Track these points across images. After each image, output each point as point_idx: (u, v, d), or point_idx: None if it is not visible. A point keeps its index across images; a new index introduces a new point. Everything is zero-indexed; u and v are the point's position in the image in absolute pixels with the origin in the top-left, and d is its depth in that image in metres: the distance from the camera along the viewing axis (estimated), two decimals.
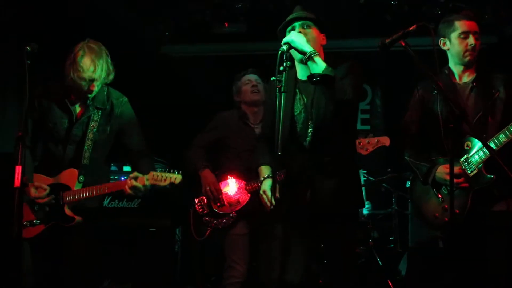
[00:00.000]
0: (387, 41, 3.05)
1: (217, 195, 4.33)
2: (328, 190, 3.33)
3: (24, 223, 3.67)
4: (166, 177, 3.68)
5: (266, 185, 3.50)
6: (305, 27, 3.38)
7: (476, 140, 3.48)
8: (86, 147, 3.75)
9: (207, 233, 4.41)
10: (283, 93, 3.03)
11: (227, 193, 4.36)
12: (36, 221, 3.71)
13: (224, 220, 4.31)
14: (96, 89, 3.73)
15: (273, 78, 3.16)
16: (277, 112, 3.03)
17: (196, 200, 4.42)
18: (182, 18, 6.74)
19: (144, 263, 5.07)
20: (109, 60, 3.77)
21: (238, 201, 4.33)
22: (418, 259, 5.06)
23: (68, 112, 3.80)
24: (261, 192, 3.52)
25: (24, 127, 3.42)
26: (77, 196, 3.70)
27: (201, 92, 6.91)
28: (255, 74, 4.65)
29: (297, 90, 3.46)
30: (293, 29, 3.38)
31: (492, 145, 3.38)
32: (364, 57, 6.80)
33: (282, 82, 3.04)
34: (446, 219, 3.53)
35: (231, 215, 4.32)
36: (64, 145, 3.78)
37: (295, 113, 3.43)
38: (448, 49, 3.70)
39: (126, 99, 3.94)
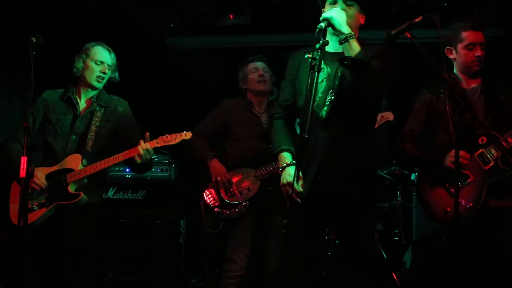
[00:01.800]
0: (392, 32, 3.03)
1: (228, 185, 4.28)
2: (341, 170, 3.16)
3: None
4: (177, 136, 3.76)
5: (287, 175, 3.23)
6: (348, 3, 3.23)
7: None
8: (89, 137, 3.86)
9: (220, 225, 4.34)
10: (315, 73, 2.90)
11: (236, 182, 4.32)
12: (35, 207, 3.74)
13: (237, 210, 4.25)
14: (108, 73, 3.99)
15: (307, 55, 3.06)
16: (307, 92, 2.88)
17: (206, 192, 4.38)
18: (187, 10, 6.73)
19: (149, 255, 5.08)
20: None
21: (248, 189, 4.29)
22: (422, 252, 5.06)
23: (73, 107, 3.96)
24: (282, 182, 3.26)
25: (29, 118, 3.52)
26: (82, 174, 3.75)
27: (206, 84, 6.91)
28: (262, 61, 4.57)
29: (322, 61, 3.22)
30: (334, 2, 3.24)
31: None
32: None
33: (317, 60, 2.92)
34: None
35: (244, 204, 4.26)
36: (66, 138, 3.88)
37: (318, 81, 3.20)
38: (454, 59, 3.72)
39: (126, 101, 4.11)
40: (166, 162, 5.68)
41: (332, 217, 3.30)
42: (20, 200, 3.19)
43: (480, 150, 3.55)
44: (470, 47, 3.63)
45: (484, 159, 3.53)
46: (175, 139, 3.75)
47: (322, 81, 3.24)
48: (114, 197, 5.17)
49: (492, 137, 3.48)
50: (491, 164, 3.51)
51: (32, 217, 3.70)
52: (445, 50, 3.72)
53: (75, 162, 3.80)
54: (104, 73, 3.99)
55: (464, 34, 3.64)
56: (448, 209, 3.58)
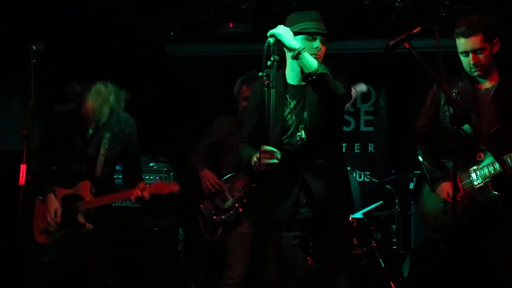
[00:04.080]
0: (391, 43, 3.01)
1: (217, 188, 4.39)
2: (321, 191, 3.31)
3: (42, 230, 3.92)
4: (167, 186, 3.91)
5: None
6: (323, 43, 3.29)
7: (489, 153, 3.35)
8: (98, 162, 3.95)
9: (219, 232, 4.41)
10: (272, 89, 2.92)
11: (228, 188, 4.43)
12: (53, 229, 3.89)
13: (231, 212, 4.33)
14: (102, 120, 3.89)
15: (260, 73, 3.04)
16: (266, 110, 2.90)
17: (202, 205, 4.49)
18: (186, 18, 6.75)
19: (147, 262, 5.09)
20: (114, 98, 3.88)
21: (239, 190, 4.38)
22: (420, 261, 5.07)
23: (82, 131, 3.98)
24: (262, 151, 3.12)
25: (29, 125, 3.51)
26: (90, 205, 3.91)
27: (205, 92, 6.92)
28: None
29: (287, 95, 3.36)
30: (313, 39, 3.24)
31: (509, 161, 3.25)
32: (368, 58, 6.81)
33: (270, 77, 2.93)
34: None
35: (236, 205, 4.34)
36: (79, 161, 3.98)
37: (285, 114, 3.34)
38: None
39: (134, 120, 4.10)
40: (165, 170, 5.69)
41: (313, 232, 3.47)
42: (19, 208, 3.23)
43: (475, 167, 3.43)
44: (464, 54, 3.45)
45: (477, 177, 3.42)
46: (165, 189, 3.88)
47: (291, 115, 3.33)
48: (113, 204, 5.15)
49: (493, 153, 3.23)
50: (481, 185, 3.38)
51: (50, 238, 3.91)
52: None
53: (85, 190, 3.93)
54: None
55: (457, 41, 3.46)
56: (436, 217, 3.55)
